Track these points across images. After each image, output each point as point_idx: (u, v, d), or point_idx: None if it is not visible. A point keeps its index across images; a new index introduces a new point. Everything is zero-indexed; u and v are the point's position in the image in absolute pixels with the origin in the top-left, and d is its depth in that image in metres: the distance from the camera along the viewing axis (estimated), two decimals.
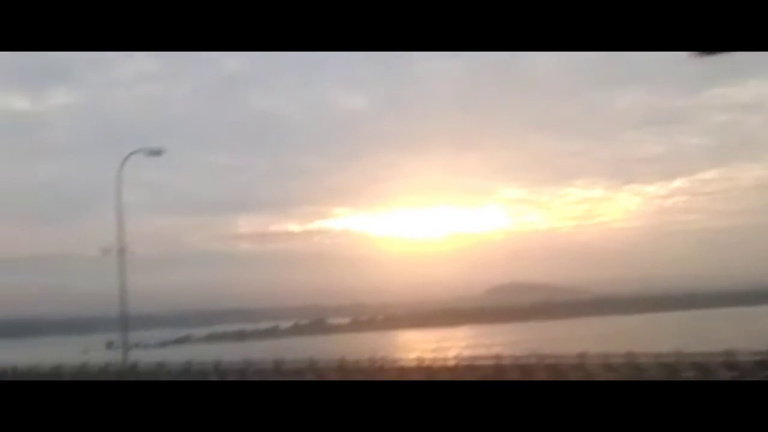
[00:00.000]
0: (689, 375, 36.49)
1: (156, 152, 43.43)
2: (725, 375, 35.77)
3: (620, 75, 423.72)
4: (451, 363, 45.49)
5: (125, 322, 45.31)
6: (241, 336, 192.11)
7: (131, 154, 43.48)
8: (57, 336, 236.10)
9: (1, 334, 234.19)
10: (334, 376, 44.98)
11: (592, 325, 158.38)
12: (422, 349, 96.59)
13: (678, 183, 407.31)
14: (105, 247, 44.88)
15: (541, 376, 39.72)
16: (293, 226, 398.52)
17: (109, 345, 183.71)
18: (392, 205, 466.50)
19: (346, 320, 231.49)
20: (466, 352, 57.35)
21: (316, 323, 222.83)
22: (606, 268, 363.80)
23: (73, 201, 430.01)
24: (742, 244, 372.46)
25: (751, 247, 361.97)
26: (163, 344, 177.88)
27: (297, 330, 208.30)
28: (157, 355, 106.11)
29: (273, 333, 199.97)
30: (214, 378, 48.82)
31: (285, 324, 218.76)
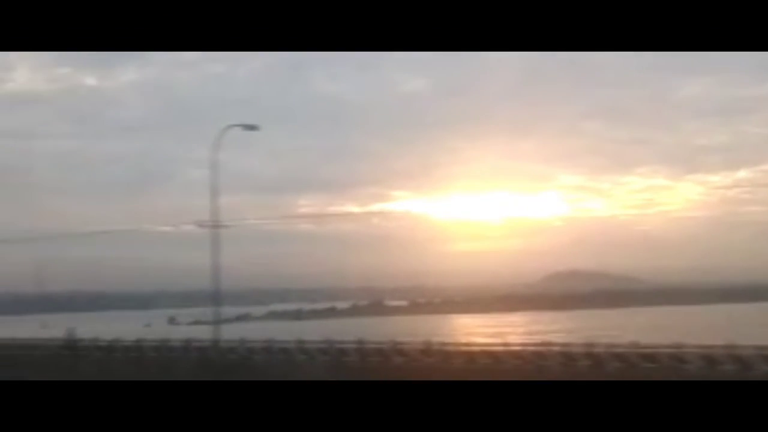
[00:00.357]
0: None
1: (251, 127, 44.09)
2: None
3: (685, 64, 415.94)
4: (516, 349, 45.24)
5: (218, 296, 45.96)
6: (298, 315, 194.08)
7: (227, 128, 44.07)
8: (118, 310, 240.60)
9: (70, 307, 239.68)
10: (419, 357, 45.00)
11: (651, 315, 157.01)
12: (483, 333, 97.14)
13: (742, 173, 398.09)
14: (199, 220, 45.66)
15: (611, 367, 39.06)
16: (353, 208, 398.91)
17: (171, 320, 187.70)
18: (451, 189, 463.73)
19: (403, 302, 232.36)
20: (530, 339, 57.35)
21: (374, 304, 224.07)
22: (666, 257, 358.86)
23: (140, 177, 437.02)
24: None
25: None
26: (224, 321, 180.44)
27: (354, 311, 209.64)
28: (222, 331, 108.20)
29: (330, 313, 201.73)
30: (299, 356, 48.91)
31: (343, 304, 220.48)
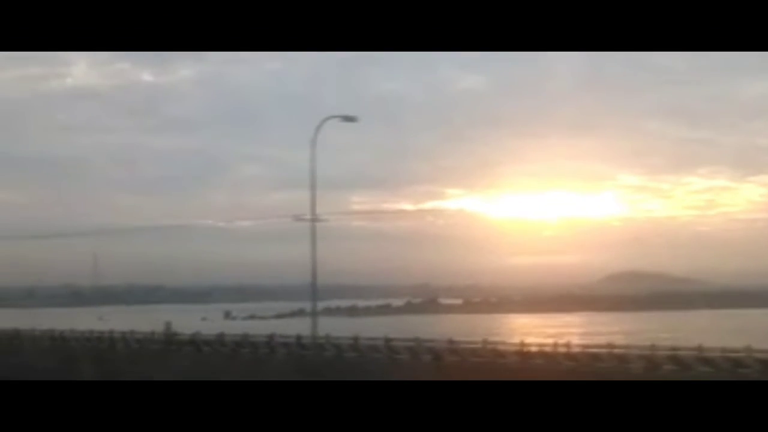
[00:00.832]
0: None
1: (350, 119, 43.25)
2: None
3: (748, 64, 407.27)
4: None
5: (315, 290, 45.08)
6: (353, 311, 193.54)
7: (325, 119, 43.20)
8: (174, 303, 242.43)
9: (126, 300, 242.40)
10: (511, 358, 43.78)
11: (713, 318, 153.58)
12: (542, 334, 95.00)
13: None
14: (297, 214, 45.06)
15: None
16: (406, 205, 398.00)
17: (227, 314, 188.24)
18: (507, 187, 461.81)
19: (458, 301, 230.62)
20: (594, 340, 55.30)
21: (428, 302, 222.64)
22: (727, 259, 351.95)
23: (194, 173, 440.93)
24: None
25: None
26: (280, 316, 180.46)
27: (409, 308, 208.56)
28: (273, 326, 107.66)
29: (385, 310, 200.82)
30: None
31: (397, 302, 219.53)
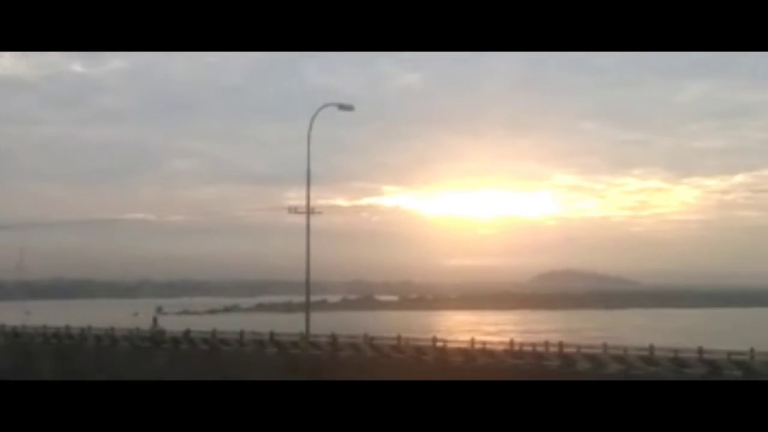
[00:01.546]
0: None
1: (347, 107, 41.68)
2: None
3: (685, 67, 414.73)
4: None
5: (308, 284, 42.80)
6: (289, 307, 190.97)
7: (322, 107, 41.56)
8: (103, 298, 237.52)
9: (52, 295, 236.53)
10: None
11: (645, 317, 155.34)
12: (480, 331, 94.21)
13: (739, 178, 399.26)
14: (291, 205, 43.06)
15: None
16: (342, 201, 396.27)
17: (158, 310, 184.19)
18: (443, 185, 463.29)
19: (394, 297, 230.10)
20: (531, 339, 54.24)
21: (365, 299, 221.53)
22: (660, 260, 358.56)
23: (124, 166, 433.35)
24: None
25: None
26: (213, 311, 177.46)
27: (346, 305, 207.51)
28: (209, 322, 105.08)
29: (321, 306, 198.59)
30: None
31: (333, 298, 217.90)
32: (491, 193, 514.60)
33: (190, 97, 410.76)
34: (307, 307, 43.72)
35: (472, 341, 43.59)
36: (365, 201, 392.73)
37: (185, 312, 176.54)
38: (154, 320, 58.94)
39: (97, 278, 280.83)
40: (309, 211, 41.51)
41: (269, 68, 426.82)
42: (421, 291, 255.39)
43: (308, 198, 41.48)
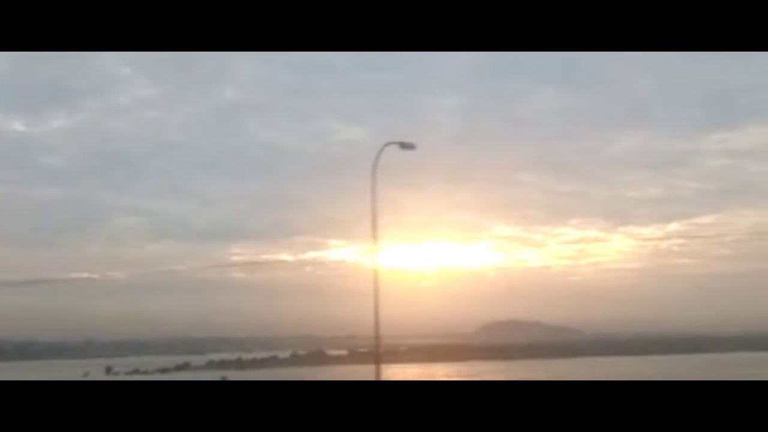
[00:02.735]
0: None
1: (408, 146, 41.56)
2: None
3: (618, 118, 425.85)
4: None
5: (378, 338, 41.27)
6: (240, 364, 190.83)
7: (385, 146, 41.19)
8: (51, 359, 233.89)
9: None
10: None
11: (591, 366, 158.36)
12: None
13: (674, 226, 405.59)
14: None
15: None
16: (286, 256, 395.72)
17: (108, 369, 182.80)
18: (387, 238, 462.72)
19: (344, 351, 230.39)
20: None
21: (315, 354, 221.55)
22: (599, 308, 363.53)
23: (68, 224, 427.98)
24: (736, 290, 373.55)
25: (746, 293, 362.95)
26: (164, 370, 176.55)
27: (296, 360, 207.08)
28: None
29: (272, 362, 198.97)
30: None
31: (283, 354, 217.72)
32: (433, 244, 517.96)
33: (132, 153, 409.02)
34: (377, 358, 42.79)
35: None
36: (310, 255, 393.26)
37: (136, 371, 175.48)
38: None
39: (42, 339, 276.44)
40: (375, 241, 40.13)
41: (210, 123, 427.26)
42: (366, 344, 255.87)
43: (375, 232, 40.46)
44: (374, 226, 40.74)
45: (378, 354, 43.55)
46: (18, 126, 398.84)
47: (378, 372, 41.72)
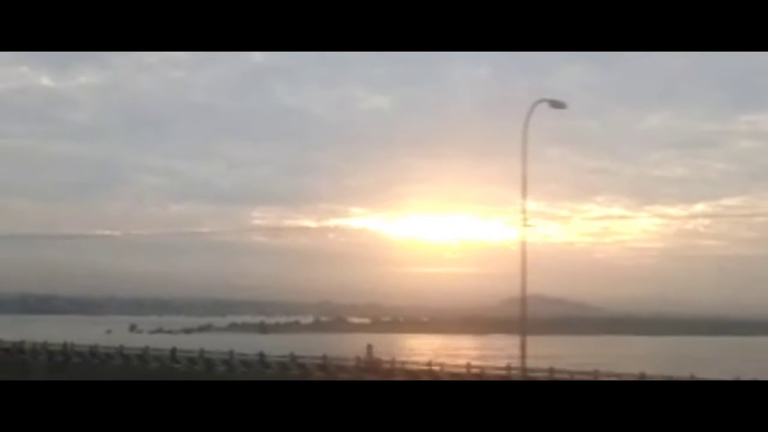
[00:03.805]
0: None
1: (559, 105, 39.63)
2: None
3: (647, 96, 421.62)
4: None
5: (524, 309, 40.06)
6: (263, 328, 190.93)
7: (537, 103, 39.26)
8: (73, 314, 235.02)
9: (16, 310, 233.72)
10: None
11: (615, 344, 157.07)
12: (470, 356, 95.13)
13: (700, 207, 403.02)
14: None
15: None
16: (309, 222, 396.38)
17: (132, 327, 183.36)
18: (409, 208, 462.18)
19: (366, 320, 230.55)
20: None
21: (337, 321, 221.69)
22: (622, 286, 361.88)
23: (93, 181, 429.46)
24: (762, 273, 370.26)
25: None
26: (188, 331, 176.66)
27: (318, 326, 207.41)
28: (184, 341, 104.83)
29: (294, 327, 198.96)
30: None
31: (305, 319, 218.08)
32: (456, 216, 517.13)
33: (157, 113, 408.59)
34: (523, 333, 40.88)
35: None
36: (332, 222, 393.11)
37: (159, 330, 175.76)
38: (369, 348, 52.58)
39: (63, 294, 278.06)
40: (525, 221, 38.48)
41: (236, 86, 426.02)
42: (390, 313, 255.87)
43: (524, 208, 38.59)
44: (524, 193, 38.46)
45: (524, 332, 40.51)
46: (45, 81, 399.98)
47: (523, 347, 38.47)
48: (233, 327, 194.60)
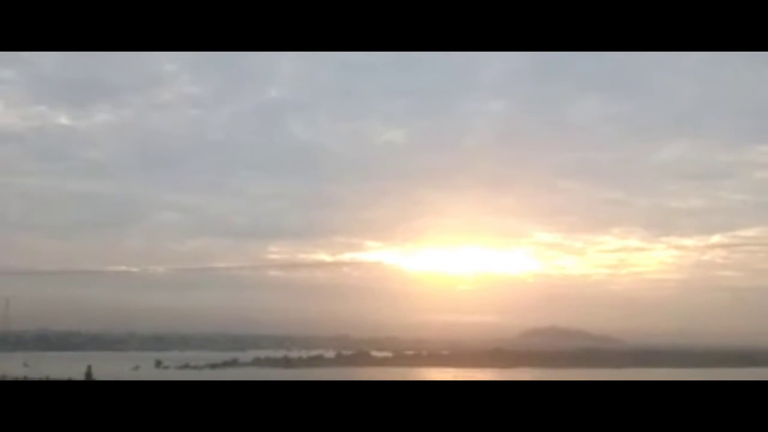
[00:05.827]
0: None
1: None
2: None
3: (663, 127, 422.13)
4: None
5: None
6: (288, 363, 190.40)
7: None
8: (93, 350, 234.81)
9: (38, 347, 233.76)
10: None
11: (644, 378, 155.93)
12: None
13: (717, 238, 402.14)
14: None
15: None
16: (324, 256, 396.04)
17: (158, 364, 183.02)
18: (425, 241, 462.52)
19: (388, 353, 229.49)
20: None
21: (360, 354, 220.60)
22: (639, 318, 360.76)
23: (109, 218, 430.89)
24: None
25: None
26: (213, 366, 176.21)
27: (341, 360, 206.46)
28: (211, 376, 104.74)
29: (318, 362, 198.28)
30: None
31: (327, 353, 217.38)
32: (471, 249, 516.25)
33: (174, 150, 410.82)
34: None
35: None
36: (347, 256, 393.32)
37: (186, 366, 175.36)
38: None
39: (84, 330, 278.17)
40: None
41: (252, 123, 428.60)
42: (411, 347, 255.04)
43: None
44: None
45: None
46: (63, 120, 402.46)
47: None
48: (257, 362, 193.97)
